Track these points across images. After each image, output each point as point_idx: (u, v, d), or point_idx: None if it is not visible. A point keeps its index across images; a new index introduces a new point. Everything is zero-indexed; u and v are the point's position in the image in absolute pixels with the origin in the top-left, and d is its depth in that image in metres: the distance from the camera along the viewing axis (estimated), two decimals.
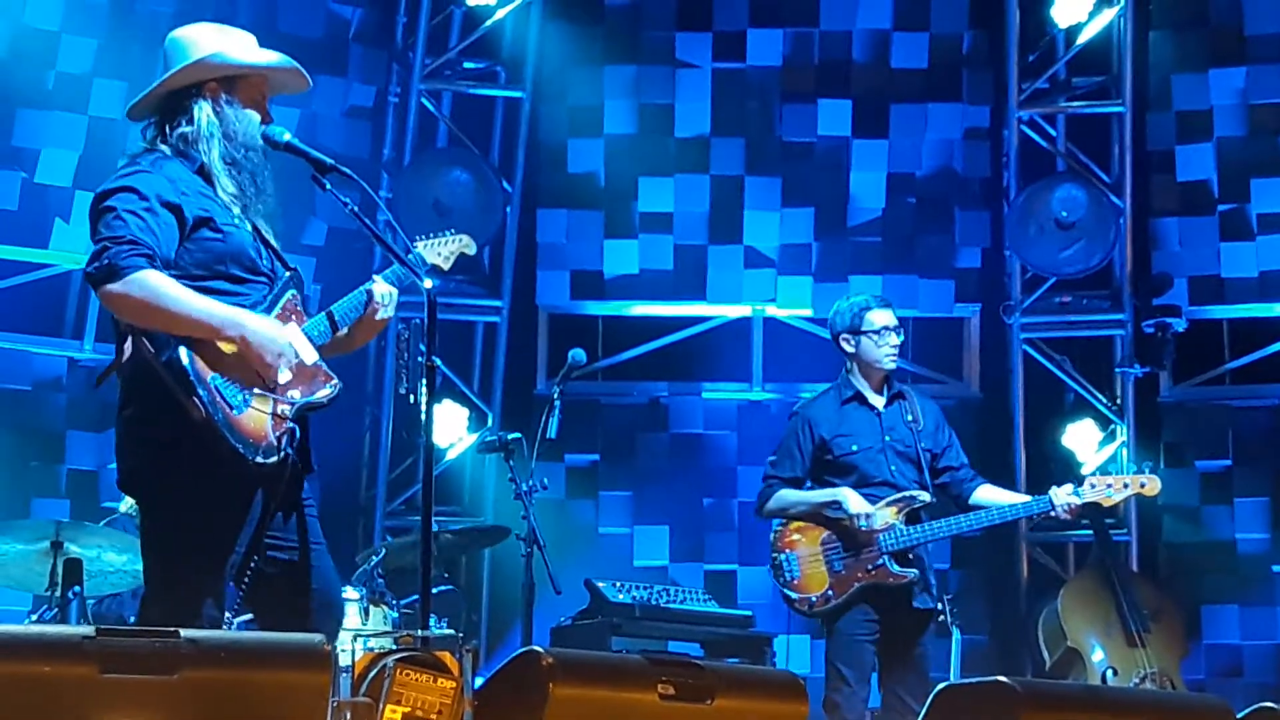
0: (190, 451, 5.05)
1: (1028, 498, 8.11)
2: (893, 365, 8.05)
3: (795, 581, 7.82)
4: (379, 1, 11.69)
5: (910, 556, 7.80)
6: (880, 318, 8.01)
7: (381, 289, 5.50)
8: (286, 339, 5.21)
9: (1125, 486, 7.86)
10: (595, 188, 11.77)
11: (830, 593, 7.75)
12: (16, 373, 10.85)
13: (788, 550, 7.87)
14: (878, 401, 8.03)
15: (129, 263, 5.00)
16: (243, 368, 5.13)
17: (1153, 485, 7.93)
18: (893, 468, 7.90)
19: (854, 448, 7.90)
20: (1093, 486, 7.84)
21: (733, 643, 9.16)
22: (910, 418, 8.03)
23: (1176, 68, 11.48)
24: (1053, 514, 7.86)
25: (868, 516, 7.71)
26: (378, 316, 5.51)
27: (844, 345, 8.04)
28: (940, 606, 8.04)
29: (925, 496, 7.84)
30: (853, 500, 7.76)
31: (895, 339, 8.01)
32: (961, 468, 8.06)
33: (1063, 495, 7.79)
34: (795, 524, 7.90)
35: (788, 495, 7.92)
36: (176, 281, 5.07)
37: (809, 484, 7.98)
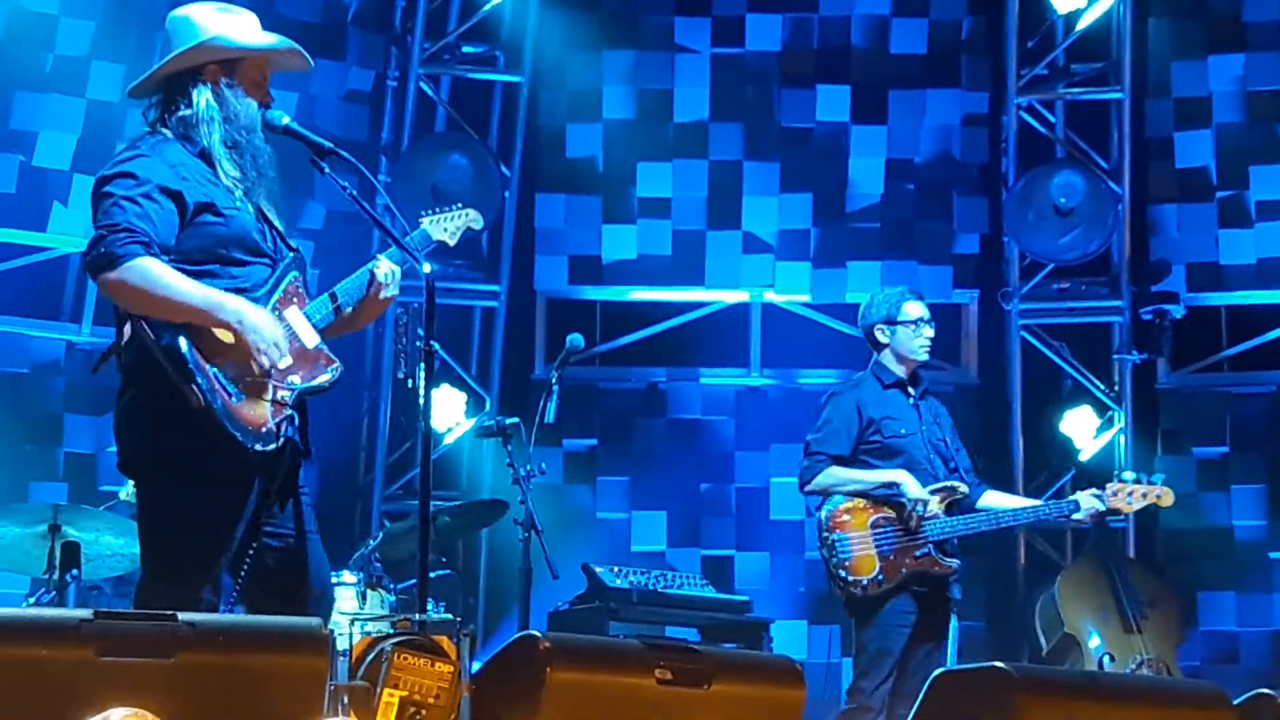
0: (189, 437, 5.04)
1: (1033, 501, 8.17)
2: (926, 356, 8.09)
3: (848, 563, 7.73)
4: None
5: (948, 546, 7.81)
6: (915, 309, 8.06)
7: (385, 267, 5.49)
8: (280, 332, 5.20)
9: (1144, 496, 7.94)
10: (594, 173, 11.76)
11: (881, 577, 7.69)
12: (14, 356, 10.84)
13: (839, 531, 7.78)
14: (912, 392, 8.06)
15: (126, 250, 4.99)
16: (239, 355, 5.12)
17: (1167, 497, 8.04)
18: (931, 457, 7.91)
19: (903, 431, 7.90)
20: (1114, 494, 7.91)
21: (730, 628, 9.18)
22: (934, 414, 8.07)
23: (1175, 54, 11.47)
24: (1076, 515, 7.92)
25: (924, 502, 7.72)
26: (381, 295, 5.49)
27: (879, 336, 8.05)
28: None
29: (964, 488, 7.85)
30: (911, 484, 7.74)
31: (929, 330, 8.05)
32: (968, 471, 8.07)
33: (1089, 500, 7.84)
34: (845, 504, 7.83)
35: (839, 472, 7.85)
36: (174, 269, 5.06)
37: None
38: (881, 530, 7.75)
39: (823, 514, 7.87)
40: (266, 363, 5.12)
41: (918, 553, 7.73)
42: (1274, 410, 11.34)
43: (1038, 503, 8.21)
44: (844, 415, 7.96)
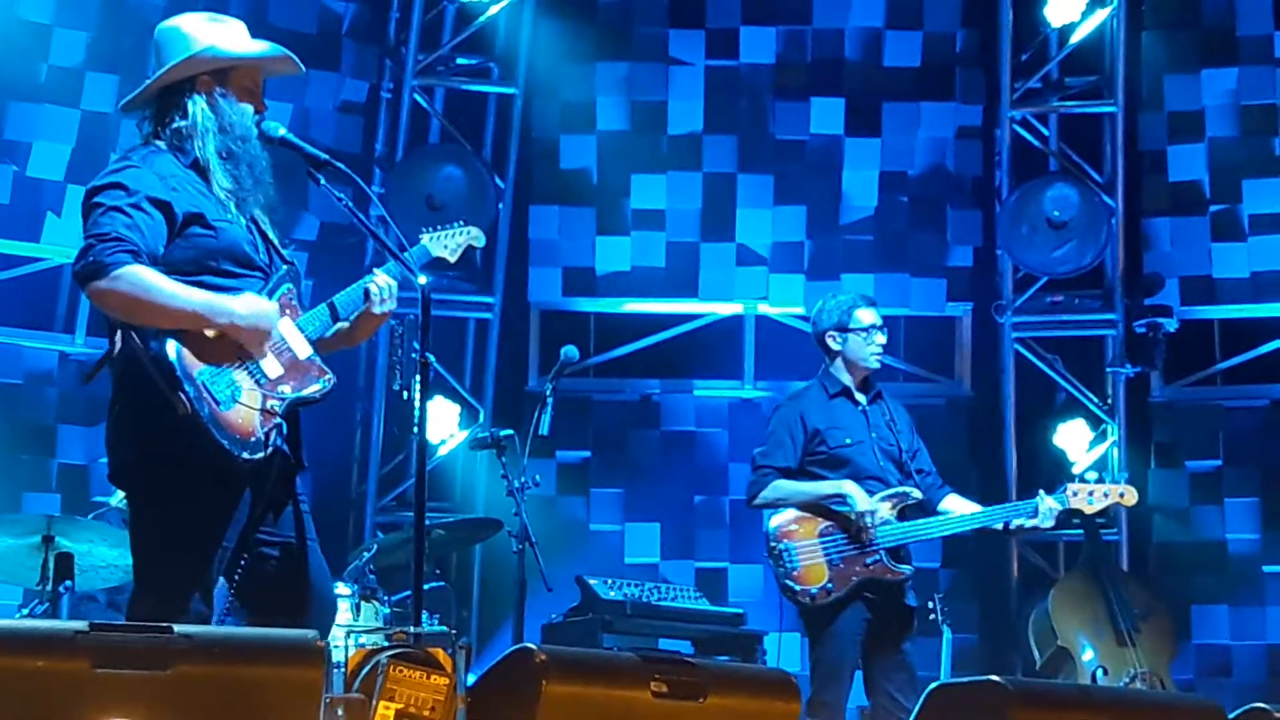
0: (177, 446, 5.04)
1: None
2: (878, 364, 8.07)
3: (796, 573, 7.75)
4: None
5: (902, 553, 7.81)
6: (867, 316, 8.03)
7: (381, 281, 5.49)
8: (272, 308, 5.23)
9: (1105, 496, 7.92)
10: (588, 184, 11.77)
11: (830, 586, 7.70)
12: (8, 366, 10.83)
13: (787, 540, 7.80)
14: (861, 398, 8.04)
15: (114, 259, 5.00)
16: (234, 351, 5.14)
17: (1130, 496, 8.02)
18: (881, 464, 7.90)
19: (848, 440, 7.89)
20: (1074, 494, 7.88)
21: (724, 640, 9.17)
22: (888, 418, 8.05)
23: (1169, 68, 11.49)
24: (1033, 520, 7.84)
25: (872, 513, 7.71)
26: (376, 310, 5.49)
27: (830, 342, 8.04)
28: (931, 605, 8.03)
29: (917, 493, 7.84)
30: (858, 495, 7.74)
31: (881, 338, 8.04)
32: (930, 473, 8.06)
33: (1049, 502, 7.79)
34: (791, 513, 7.84)
35: (785, 485, 7.86)
36: (163, 274, 5.06)
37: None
38: (830, 539, 7.77)
39: (770, 526, 7.87)
40: (268, 336, 5.16)
41: (869, 560, 7.73)
42: (1267, 423, 11.35)
43: (982, 510, 8.09)
44: (787, 427, 7.97)
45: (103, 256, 5.00)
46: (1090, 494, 7.89)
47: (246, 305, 5.17)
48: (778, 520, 7.86)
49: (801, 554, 7.77)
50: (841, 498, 7.76)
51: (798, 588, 7.75)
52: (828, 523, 7.79)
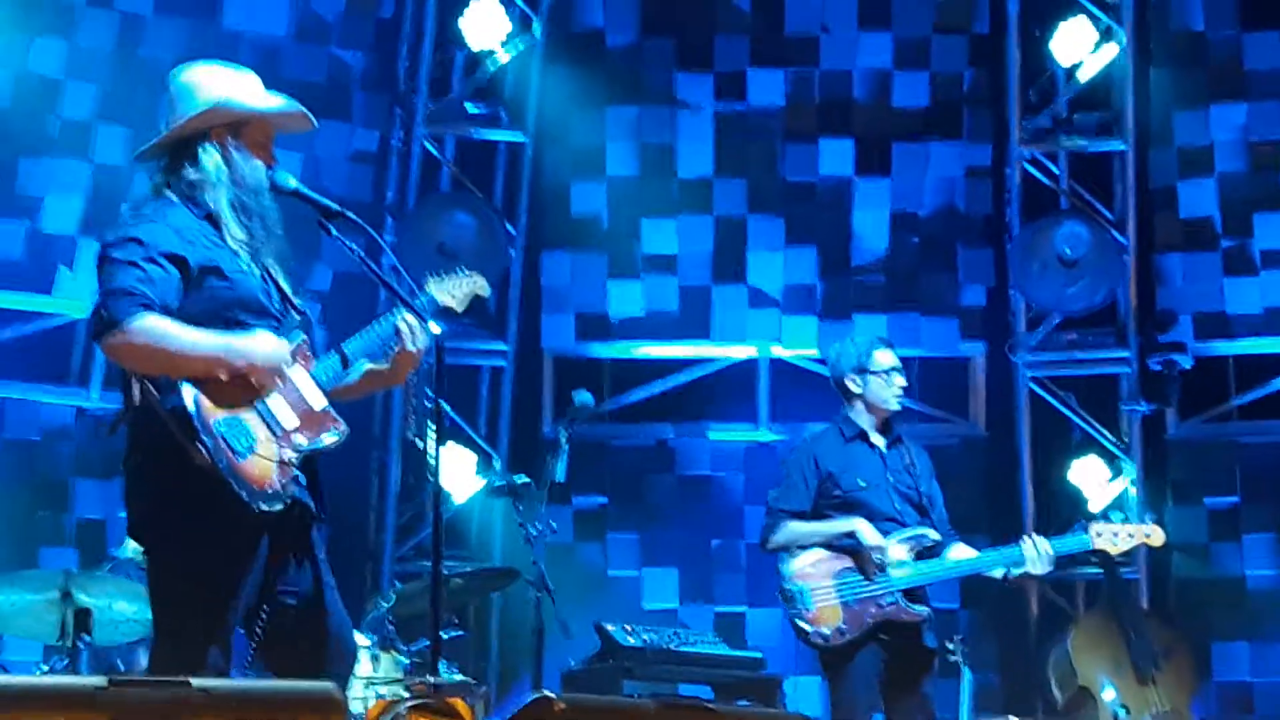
0: (194, 498, 5.03)
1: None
2: (898, 406, 8.04)
3: (809, 614, 7.72)
4: (381, 46, 11.71)
5: (919, 594, 7.77)
6: (886, 358, 8.00)
7: (410, 318, 5.47)
8: (284, 345, 5.23)
9: (1130, 536, 7.85)
10: (598, 229, 11.79)
11: (844, 627, 7.67)
12: (24, 422, 10.85)
13: (801, 582, 7.77)
14: (879, 441, 8.01)
15: (129, 312, 5.01)
16: (249, 394, 5.14)
17: (1157, 536, 7.93)
18: (897, 506, 7.87)
19: (861, 483, 7.86)
20: (1099, 535, 7.83)
21: (743, 685, 9.13)
22: (908, 461, 8.01)
23: (1177, 104, 11.50)
24: (1022, 568, 7.77)
25: (881, 550, 7.68)
26: (409, 347, 5.45)
27: (850, 385, 8.01)
28: (950, 646, 8.00)
29: (934, 535, 7.81)
30: (868, 532, 7.71)
31: (901, 380, 8.02)
32: (942, 521, 8.01)
33: (1041, 546, 7.70)
34: (807, 555, 7.81)
35: (797, 528, 7.84)
36: (175, 322, 5.06)
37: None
38: (845, 581, 7.73)
39: (784, 567, 7.83)
40: (274, 381, 5.16)
41: (884, 600, 7.69)
42: None
43: (985, 552, 7.93)
44: (800, 471, 7.94)
45: (115, 311, 5.01)
46: (1115, 534, 7.83)
47: (262, 345, 5.17)
48: (793, 562, 7.83)
49: (816, 595, 7.73)
50: (851, 534, 7.74)
51: (810, 629, 7.71)
52: (844, 565, 7.76)
